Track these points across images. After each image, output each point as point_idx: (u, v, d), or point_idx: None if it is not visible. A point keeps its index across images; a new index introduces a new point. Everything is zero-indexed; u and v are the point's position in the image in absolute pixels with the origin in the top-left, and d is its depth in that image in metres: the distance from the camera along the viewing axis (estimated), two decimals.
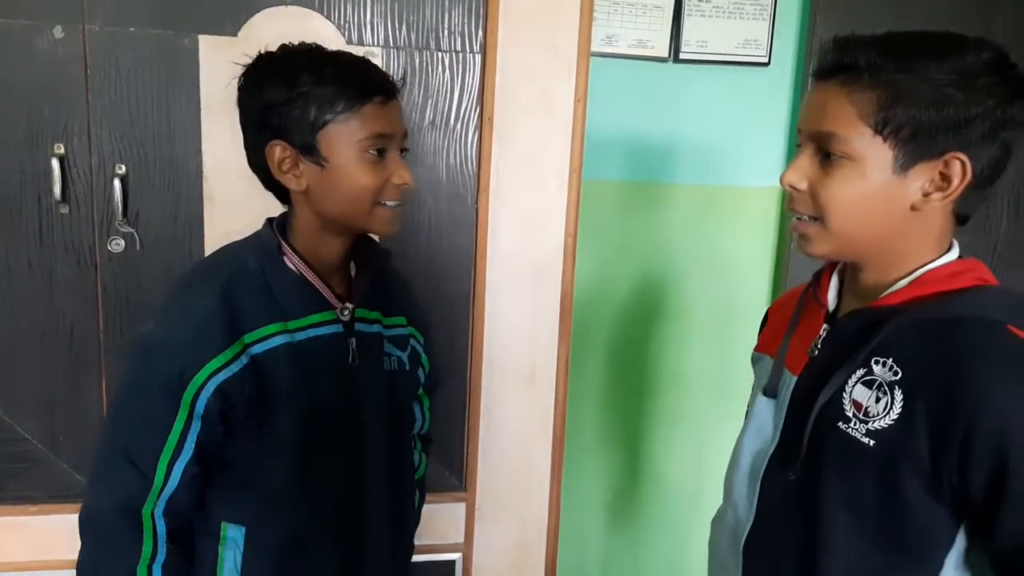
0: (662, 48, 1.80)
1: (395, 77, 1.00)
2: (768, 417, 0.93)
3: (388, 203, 0.99)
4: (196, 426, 0.95)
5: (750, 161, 1.90)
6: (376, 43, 1.34)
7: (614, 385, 1.97)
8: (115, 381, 1.31)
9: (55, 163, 1.26)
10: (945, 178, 0.77)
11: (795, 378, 0.90)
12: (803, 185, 0.82)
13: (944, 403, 0.75)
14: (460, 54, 1.36)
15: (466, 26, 1.35)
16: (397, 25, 1.34)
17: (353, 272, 1.08)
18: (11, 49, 1.24)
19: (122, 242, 1.32)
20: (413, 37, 1.34)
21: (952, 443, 0.74)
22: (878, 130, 0.76)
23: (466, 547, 1.53)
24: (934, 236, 0.82)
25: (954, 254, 0.83)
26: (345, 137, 0.94)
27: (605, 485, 2.02)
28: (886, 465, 0.78)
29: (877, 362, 0.80)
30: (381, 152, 0.96)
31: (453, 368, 1.46)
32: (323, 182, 0.96)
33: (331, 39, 1.31)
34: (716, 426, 1.96)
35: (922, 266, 0.82)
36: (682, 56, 1.80)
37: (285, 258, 1.00)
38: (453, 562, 1.53)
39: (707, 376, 1.98)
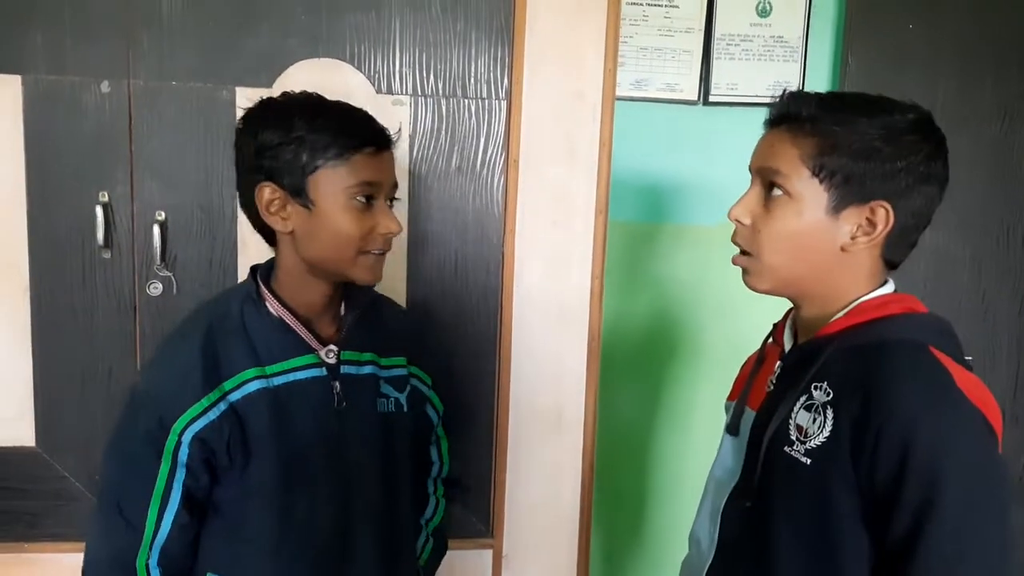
0: (691, 91, 1.81)
1: (390, 131, 1.01)
2: (730, 454, 0.99)
3: (373, 251, 0.99)
4: (181, 474, 0.95)
5: None
6: (405, 92, 1.38)
7: (637, 427, 1.93)
8: None
9: (99, 210, 1.32)
10: (871, 223, 0.85)
11: (754, 413, 0.96)
12: (747, 220, 0.90)
13: (861, 412, 0.81)
14: (486, 101, 1.39)
15: (492, 74, 1.38)
16: (425, 74, 1.37)
17: (343, 314, 1.08)
18: (61, 103, 1.31)
19: (160, 286, 1.36)
20: (440, 86, 1.38)
21: (866, 448, 0.79)
22: (815, 173, 0.84)
23: None
24: (863, 276, 0.89)
25: (888, 288, 0.90)
26: (334, 183, 0.95)
27: (625, 527, 1.97)
28: (820, 481, 0.83)
29: (816, 387, 0.86)
30: (369, 200, 0.97)
31: (479, 410, 1.45)
32: (309, 225, 0.97)
33: (361, 89, 1.35)
34: None
35: (857, 299, 0.88)
36: (712, 99, 1.81)
37: (266, 303, 1.01)
38: None
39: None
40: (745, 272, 0.92)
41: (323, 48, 1.35)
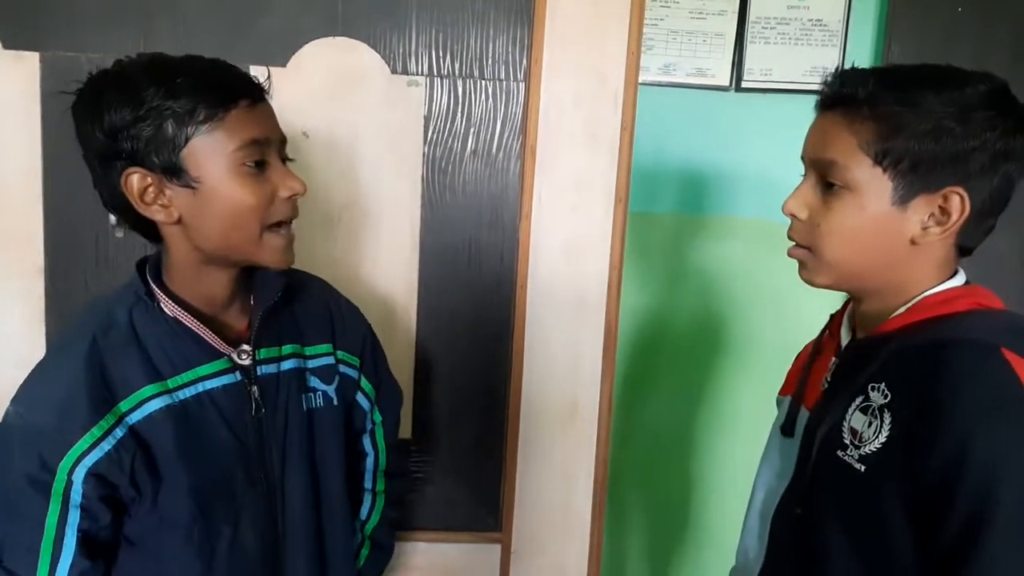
0: (723, 77, 1.74)
1: (258, 78, 0.87)
2: (782, 456, 0.93)
3: (280, 228, 0.87)
4: (75, 517, 0.81)
5: None
6: (421, 72, 1.34)
7: (665, 424, 1.88)
8: None
9: None
10: (944, 212, 0.77)
11: (808, 413, 0.90)
12: (804, 214, 0.83)
13: (916, 420, 0.75)
14: (504, 82, 1.35)
15: (510, 55, 1.34)
16: (441, 55, 1.34)
17: (253, 305, 0.94)
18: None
19: None
20: (457, 66, 1.34)
21: (918, 457, 0.73)
22: (878, 161, 0.77)
23: None
24: (935, 267, 0.81)
25: (958, 280, 0.82)
26: (214, 151, 0.81)
27: (651, 530, 1.92)
28: (874, 490, 0.78)
29: (873, 388, 0.80)
30: (260, 164, 0.84)
31: (490, 402, 1.42)
32: (197, 208, 0.82)
33: (376, 69, 1.32)
34: None
35: (920, 293, 0.81)
36: (744, 85, 1.74)
37: (160, 304, 0.87)
38: None
39: (765, 418, 1.87)
40: (802, 266, 0.85)
41: (339, 27, 1.32)
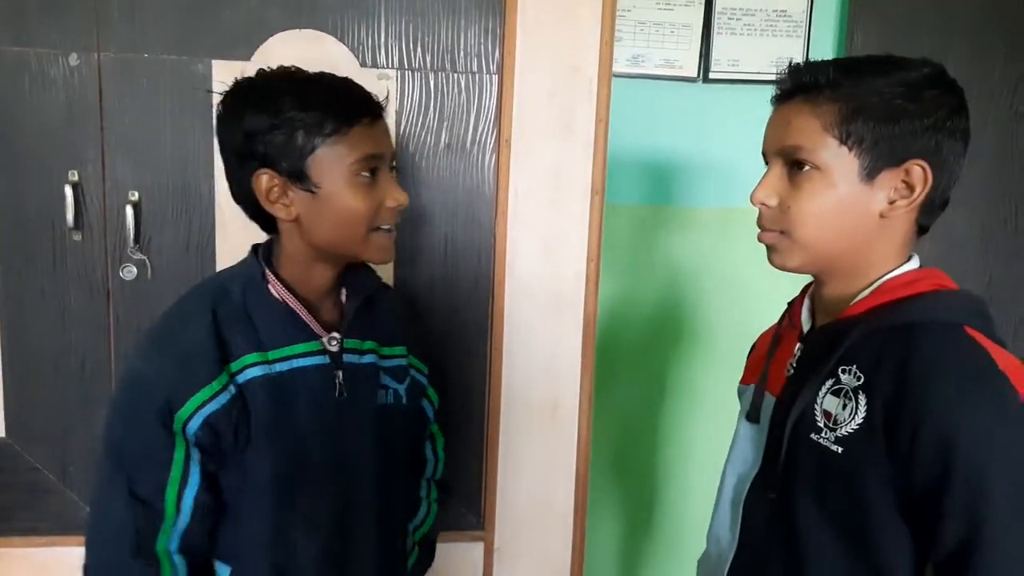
0: (691, 68, 1.74)
1: (379, 97, 0.96)
2: (750, 442, 0.94)
3: (383, 228, 0.96)
4: (196, 454, 0.92)
5: None
6: (391, 65, 1.30)
7: (636, 415, 1.89)
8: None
9: (68, 190, 1.25)
10: (908, 185, 0.81)
11: (774, 399, 0.91)
12: (773, 201, 0.85)
13: (896, 403, 0.77)
14: (477, 75, 1.32)
15: (483, 47, 1.31)
16: (412, 47, 1.30)
17: (344, 300, 1.03)
18: (26, 77, 1.23)
19: (134, 269, 1.30)
20: (429, 59, 1.31)
21: (902, 443, 0.75)
22: (843, 140, 0.81)
23: None
24: (897, 246, 0.85)
25: (914, 263, 0.86)
26: (335, 161, 0.91)
27: (629, 522, 1.93)
28: (854, 471, 0.79)
29: (844, 371, 0.82)
30: (373, 173, 0.93)
31: (471, 401, 1.40)
32: (314, 209, 0.92)
33: (345, 62, 1.28)
34: None
35: (881, 276, 0.85)
36: (712, 76, 1.74)
37: (269, 286, 0.96)
38: None
39: (731, 405, 1.89)
40: (772, 250, 0.87)
41: (304, 19, 1.27)
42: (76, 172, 1.26)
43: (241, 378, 0.93)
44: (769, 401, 0.92)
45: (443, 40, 1.31)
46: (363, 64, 1.30)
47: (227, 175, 0.96)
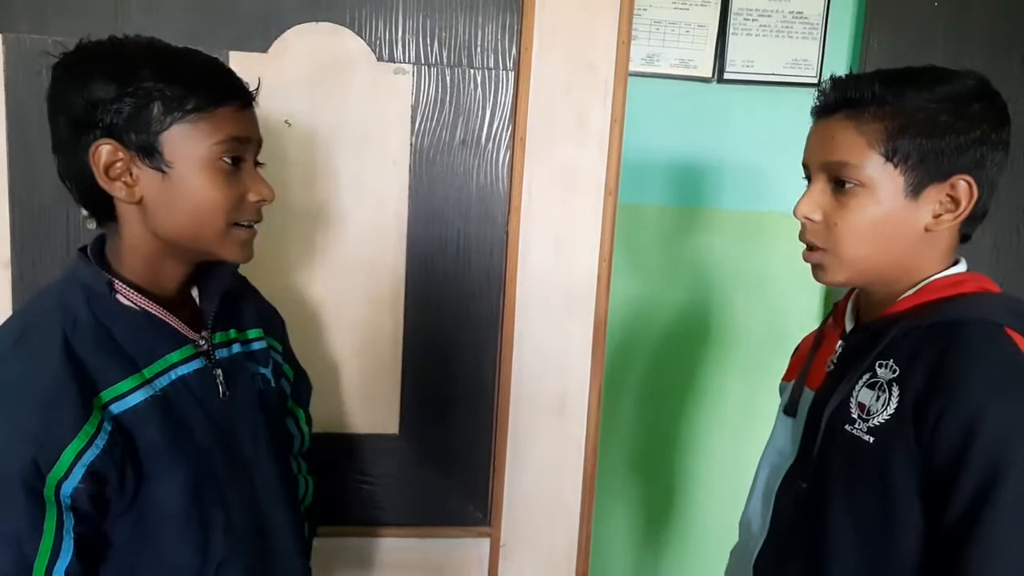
0: (706, 68, 1.74)
1: (250, 85, 0.89)
2: (787, 435, 0.96)
3: (243, 223, 0.87)
4: (69, 520, 0.77)
5: (798, 186, 1.82)
6: (408, 60, 1.30)
7: (649, 415, 1.89)
8: None
9: None
10: (953, 200, 0.82)
11: (812, 393, 0.93)
12: (818, 216, 0.86)
13: (926, 389, 0.78)
14: (493, 71, 1.32)
15: (500, 43, 1.31)
16: (429, 42, 1.30)
17: (196, 294, 0.94)
18: (45, 65, 1.23)
19: None
20: (445, 54, 1.31)
21: (928, 425, 0.76)
22: (888, 157, 0.81)
23: None
24: (942, 254, 0.86)
25: (962, 267, 0.87)
26: (195, 139, 0.81)
27: (639, 522, 1.93)
28: (882, 458, 0.80)
29: (881, 365, 0.84)
30: (236, 162, 0.85)
31: (479, 396, 1.40)
32: (164, 193, 0.82)
33: (362, 56, 1.28)
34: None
35: (927, 278, 0.86)
36: (727, 76, 1.74)
37: (118, 295, 0.84)
38: None
39: (749, 408, 1.89)
40: (819, 268, 0.89)
41: (322, 12, 1.27)
42: None
43: (116, 408, 0.80)
44: (807, 396, 0.94)
45: (460, 36, 1.31)
46: (380, 58, 1.30)
47: (55, 146, 0.84)
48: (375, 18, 1.29)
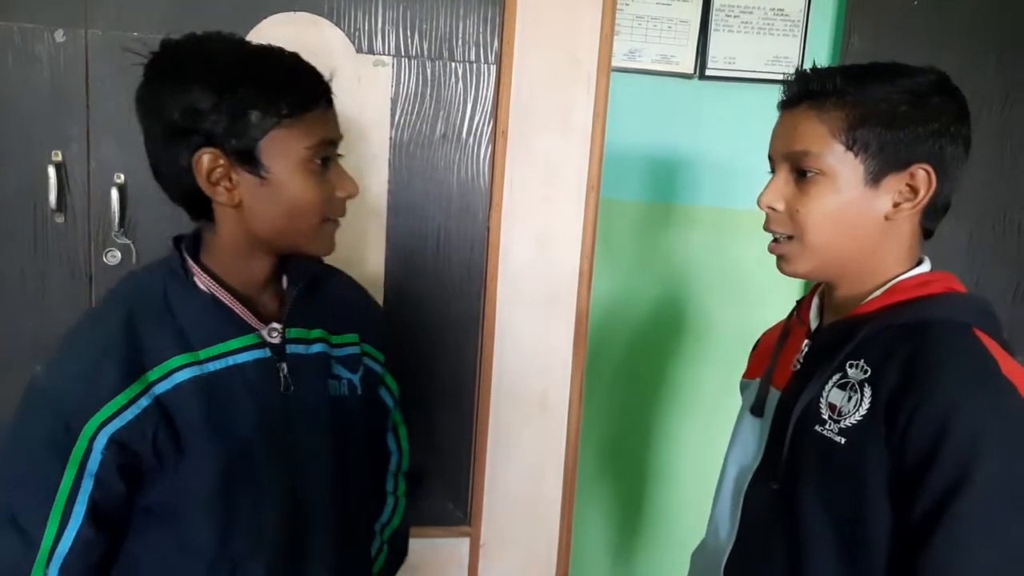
0: (687, 64, 1.73)
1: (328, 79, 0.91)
2: (753, 434, 0.95)
3: (332, 219, 0.91)
4: (87, 486, 0.81)
5: None
6: (387, 52, 1.28)
7: (627, 412, 1.88)
8: None
9: (52, 171, 1.22)
10: (912, 189, 0.83)
11: (779, 393, 0.93)
12: (780, 205, 0.87)
13: (898, 389, 0.78)
14: (474, 64, 1.30)
15: (481, 36, 1.29)
16: (409, 34, 1.28)
17: (285, 287, 0.96)
18: (10, 53, 1.20)
19: (118, 254, 1.27)
20: (426, 46, 1.29)
21: (898, 425, 0.77)
22: (849, 146, 0.82)
23: None
24: (904, 248, 0.87)
25: (926, 267, 0.88)
26: (290, 144, 0.84)
27: (616, 518, 1.93)
28: (855, 459, 0.80)
29: (851, 365, 0.84)
30: (325, 161, 0.88)
31: (459, 394, 1.38)
32: (262, 196, 0.85)
33: (341, 48, 1.25)
34: None
35: (894, 278, 0.86)
36: (708, 72, 1.74)
37: (195, 278, 0.89)
38: None
39: (725, 402, 1.89)
40: (783, 259, 0.89)
41: (300, 1, 1.25)
42: (60, 152, 1.23)
43: (164, 386, 0.84)
44: (774, 395, 0.94)
45: (441, 28, 1.28)
46: (359, 50, 1.27)
47: (150, 149, 0.87)
48: (354, 8, 1.26)
